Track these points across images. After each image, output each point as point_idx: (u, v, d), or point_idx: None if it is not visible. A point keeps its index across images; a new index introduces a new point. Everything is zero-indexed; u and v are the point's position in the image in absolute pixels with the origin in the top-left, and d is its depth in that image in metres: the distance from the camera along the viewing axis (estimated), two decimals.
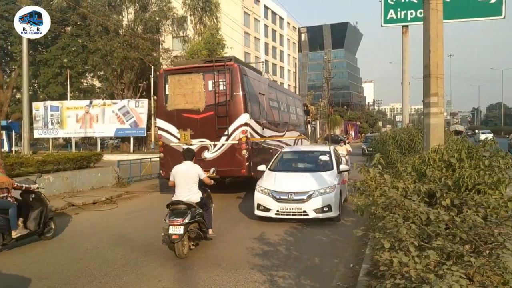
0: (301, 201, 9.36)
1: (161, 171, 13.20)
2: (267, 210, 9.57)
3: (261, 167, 10.83)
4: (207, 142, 12.13)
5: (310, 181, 9.78)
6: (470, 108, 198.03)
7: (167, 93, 12.45)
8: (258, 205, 9.75)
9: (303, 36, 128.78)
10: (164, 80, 12.56)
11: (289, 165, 11.28)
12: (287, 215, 9.40)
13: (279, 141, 15.03)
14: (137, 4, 38.86)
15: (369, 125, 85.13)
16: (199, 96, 12.05)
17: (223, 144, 12.01)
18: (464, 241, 3.93)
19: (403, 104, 19.78)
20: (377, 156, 5.04)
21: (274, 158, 11.46)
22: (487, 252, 3.60)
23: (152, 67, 36.69)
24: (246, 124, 11.94)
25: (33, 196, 8.43)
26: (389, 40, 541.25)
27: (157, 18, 40.21)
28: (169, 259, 7.33)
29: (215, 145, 12.07)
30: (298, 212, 9.33)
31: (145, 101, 34.25)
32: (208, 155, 12.12)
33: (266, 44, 73.27)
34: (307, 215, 9.31)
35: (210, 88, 11.97)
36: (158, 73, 14.51)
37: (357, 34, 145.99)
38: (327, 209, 9.41)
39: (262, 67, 54.44)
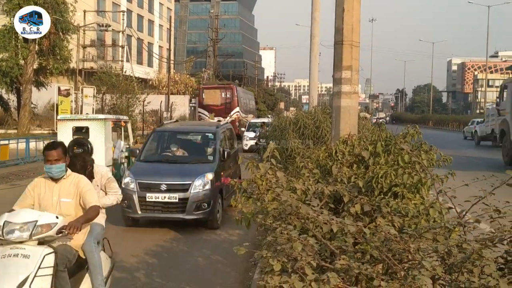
0: None
1: None
2: None
3: None
4: (221, 118, 36.58)
5: None
6: (394, 90, 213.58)
7: (203, 96, 43.20)
8: None
9: None
10: (202, 91, 44.72)
11: None
12: None
13: (246, 119, 41.47)
14: None
15: (268, 107, 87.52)
16: (218, 98, 42.51)
17: (228, 119, 36.70)
18: (375, 260, 4.14)
19: (311, 80, 20.61)
20: (271, 146, 5.11)
21: None
22: (402, 273, 3.82)
23: None
24: (238, 111, 41.92)
25: None
26: None
27: None
28: None
29: (224, 119, 36.18)
30: None
31: None
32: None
33: None
34: None
35: (223, 95, 42.63)
36: (199, 88, 48.85)
37: None
38: None
39: (123, 19, 52.95)
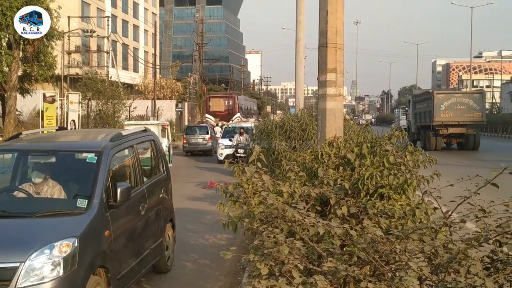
0: None
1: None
2: None
3: None
4: (224, 122, 42.41)
5: None
6: (379, 91, 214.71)
7: (209, 104, 53.53)
8: None
9: None
10: (208, 99, 54.82)
11: None
12: None
13: (247, 122, 37.35)
14: None
15: None
16: (222, 106, 52.70)
17: (230, 122, 42.76)
18: (363, 262, 4.15)
19: (297, 83, 20.68)
20: (256, 149, 5.11)
21: None
22: (389, 274, 3.83)
23: None
24: (238, 116, 48.79)
25: None
26: None
27: None
28: None
29: (227, 123, 41.43)
30: None
31: None
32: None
33: None
34: None
35: (226, 103, 52.93)
36: (206, 97, 56.72)
37: None
38: None
39: (108, 25, 52.77)
